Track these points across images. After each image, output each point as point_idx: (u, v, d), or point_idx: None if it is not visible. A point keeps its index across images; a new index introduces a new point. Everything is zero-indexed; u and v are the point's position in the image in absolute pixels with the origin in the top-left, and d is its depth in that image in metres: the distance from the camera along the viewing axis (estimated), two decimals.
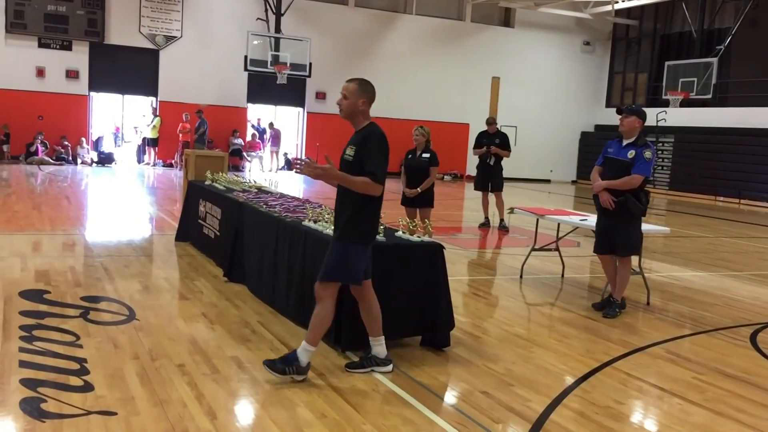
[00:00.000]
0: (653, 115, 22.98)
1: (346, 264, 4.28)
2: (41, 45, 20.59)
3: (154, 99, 22.27)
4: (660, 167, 24.95)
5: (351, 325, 4.77)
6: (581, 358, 5.15)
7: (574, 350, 5.34)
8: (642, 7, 25.80)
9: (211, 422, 3.65)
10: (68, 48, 20.89)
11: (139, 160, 22.49)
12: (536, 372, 4.77)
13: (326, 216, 5.51)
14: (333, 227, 4.49)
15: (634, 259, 6.68)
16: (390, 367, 4.55)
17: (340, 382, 4.31)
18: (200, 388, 4.08)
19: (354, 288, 4.48)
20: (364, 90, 4.33)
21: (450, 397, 4.30)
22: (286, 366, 4.22)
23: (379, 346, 4.54)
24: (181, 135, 21.39)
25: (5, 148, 20.19)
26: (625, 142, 6.29)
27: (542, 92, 27.09)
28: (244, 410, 3.93)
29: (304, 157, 4.27)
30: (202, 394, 4.01)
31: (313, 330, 4.32)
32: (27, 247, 8.03)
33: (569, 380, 4.67)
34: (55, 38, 20.63)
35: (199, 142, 21.16)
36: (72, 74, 20.98)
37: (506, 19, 26.91)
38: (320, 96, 23.98)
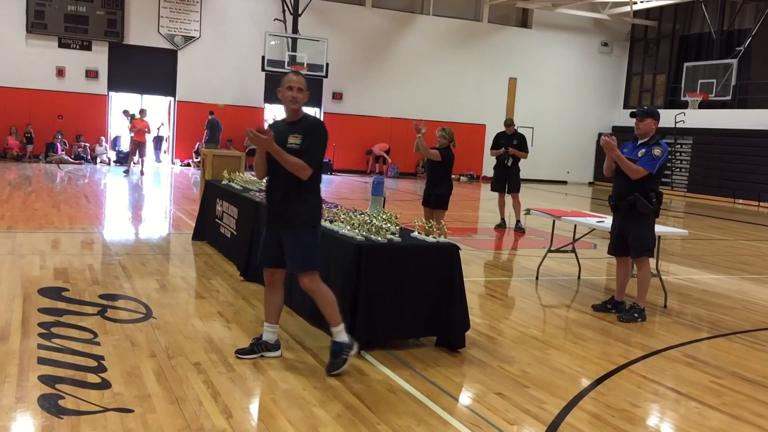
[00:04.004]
0: (672, 117, 22.84)
1: (316, 249, 4.47)
2: (61, 45, 20.80)
3: (172, 99, 22.42)
4: (678, 169, 24.76)
5: (366, 326, 4.78)
6: (597, 360, 5.13)
7: (590, 352, 5.31)
8: (661, 8, 25.63)
9: (226, 420, 3.67)
10: (88, 48, 21.09)
11: (157, 159, 22.65)
12: (551, 374, 4.75)
13: (342, 216, 5.52)
14: (279, 219, 4.49)
15: (652, 262, 6.63)
16: (278, 352, 4.66)
17: (354, 382, 4.32)
18: (216, 387, 4.11)
19: (277, 273, 4.60)
20: (306, 81, 4.54)
21: (464, 398, 4.29)
22: (340, 355, 4.42)
23: (270, 333, 4.66)
24: (133, 134, 18.67)
25: (28, 147, 20.42)
26: (639, 143, 6.26)
27: (559, 93, 26.97)
28: (260, 409, 3.95)
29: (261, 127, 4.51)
30: (217, 392, 4.03)
31: (329, 315, 4.51)
32: (46, 245, 8.12)
33: (585, 382, 4.65)
34: (75, 38, 20.84)
35: (209, 141, 21.25)
36: (91, 74, 21.17)
37: (523, 19, 26.82)
38: (337, 96, 24.02)
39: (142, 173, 18.56)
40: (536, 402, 4.21)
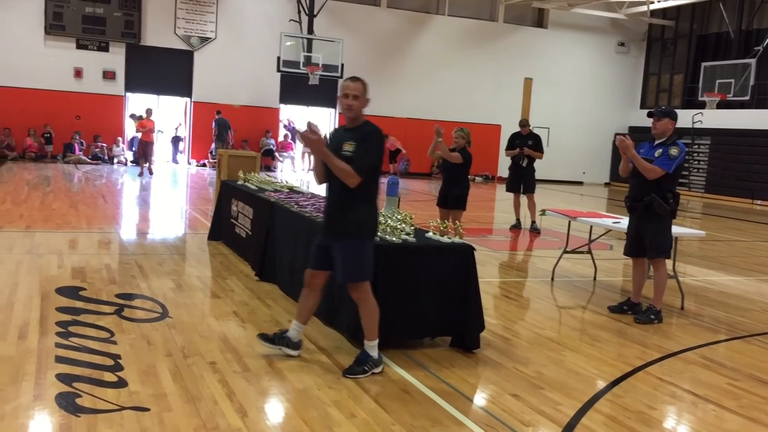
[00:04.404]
0: (689, 117, 22.65)
1: (364, 261, 4.41)
2: (79, 46, 20.98)
3: (188, 100, 22.54)
4: (696, 170, 24.56)
5: (381, 325, 4.77)
6: (613, 362, 5.10)
7: (606, 354, 5.28)
8: (678, 8, 25.43)
9: (241, 420, 3.68)
10: (105, 49, 21.25)
11: (174, 160, 22.78)
12: (567, 375, 4.73)
13: None
14: (330, 228, 4.46)
15: (669, 263, 6.58)
16: (297, 352, 4.66)
17: (369, 382, 4.32)
18: (231, 386, 4.12)
19: (320, 276, 4.57)
20: (367, 88, 4.43)
21: (479, 399, 4.29)
22: (363, 366, 4.42)
23: (296, 331, 4.65)
24: (141, 134, 18.51)
25: (48, 148, 20.62)
26: (656, 143, 6.21)
27: (575, 93, 26.84)
28: (275, 409, 3.96)
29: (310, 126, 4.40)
30: (233, 391, 4.05)
31: (367, 328, 4.48)
32: (64, 245, 8.19)
33: (601, 384, 4.62)
34: (93, 39, 21.01)
35: (216, 141, 21.36)
36: (109, 75, 21.34)
37: (539, 19, 26.71)
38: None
39: (150, 173, 18.28)
40: (551, 404, 4.20)
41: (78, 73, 21.04)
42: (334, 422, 3.73)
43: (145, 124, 18.05)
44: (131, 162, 21.52)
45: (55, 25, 20.51)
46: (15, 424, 3.47)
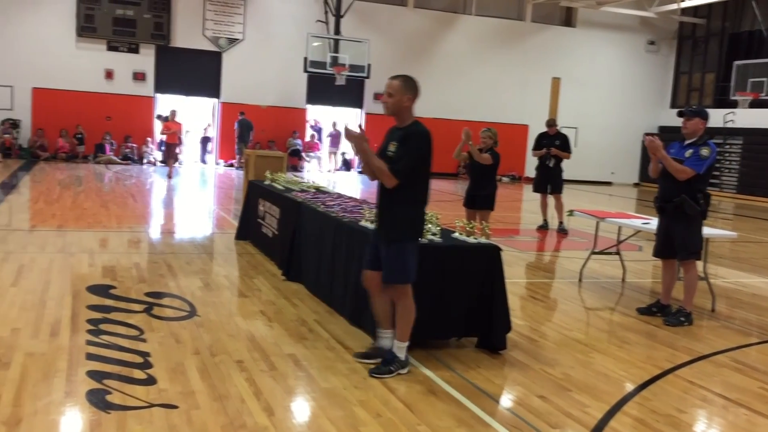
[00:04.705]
0: (720, 117, 22.30)
1: (404, 264, 4.36)
2: (110, 48, 21.28)
3: (216, 100, 22.74)
4: (727, 170, 24.17)
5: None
6: (642, 364, 5.04)
7: (635, 356, 5.22)
8: (709, 5, 25.04)
9: (268, 418, 3.70)
10: (135, 51, 21.53)
11: (202, 161, 23.00)
12: (595, 377, 4.68)
13: None
14: (377, 229, 4.51)
15: (699, 265, 6.48)
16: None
17: (394, 382, 4.32)
18: (258, 385, 4.15)
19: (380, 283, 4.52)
20: (408, 86, 4.35)
21: (506, 401, 4.26)
22: (389, 366, 4.41)
23: (386, 339, 4.60)
24: (166, 136, 18.21)
25: (80, 148, 20.94)
26: (686, 143, 6.13)
27: (604, 93, 26.57)
28: (301, 408, 3.98)
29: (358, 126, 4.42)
30: (260, 390, 4.07)
31: (400, 328, 4.46)
32: (95, 244, 8.31)
33: (629, 387, 4.57)
34: (123, 41, 21.30)
35: (239, 141, 21.51)
36: (139, 76, 21.61)
37: (567, 18, 26.49)
38: (379, 97, 23.91)
39: (170, 176, 17.75)
40: (579, 406, 4.16)
41: (109, 75, 21.33)
42: (360, 422, 3.74)
43: (169, 126, 17.90)
44: (160, 162, 21.77)
45: (86, 28, 20.83)
46: (47, 420, 3.53)
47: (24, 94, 20.57)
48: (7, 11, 20.04)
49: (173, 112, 18.22)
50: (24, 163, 18.99)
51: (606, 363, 5.01)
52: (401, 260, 4.35)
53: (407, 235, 4.37)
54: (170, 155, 18.10)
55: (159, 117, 21.21)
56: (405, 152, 4.26)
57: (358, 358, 4.64)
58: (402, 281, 4.39)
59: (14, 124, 20.43)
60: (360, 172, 23.41)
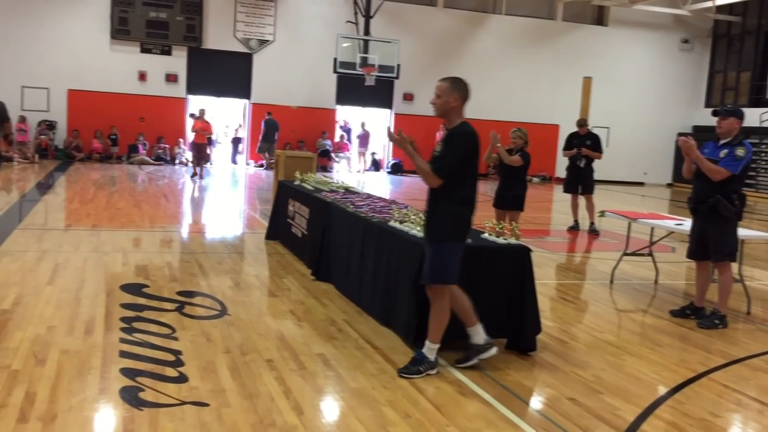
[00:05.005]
0: (756, 116, 21.87)
1: (438, 266, 4.34)
2: (143, 50, 21.58)
3: (247, 101, 22.93)
4: (763, 170, 23.70)
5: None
6: (675, 367, 4.96)
7: (668, 359, 5.15)
8: (745, 3, 24.57)
9: (297, 417, 3.73)
10: (168, 53, 21.80)
11: (233, 161, 23.21)
12: (627, 380, 4.63)
13: (412, 217, 5.53)
14: (424, 229, 4.53)
15: (734, 266, 6.37)
16: (494, 350, 4.58)
17: (424, 383, 4.32)
18: (288, 384, 4.18)
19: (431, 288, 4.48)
20: (456, 87, 4.37)
21: (536, 403, 4.23)
22: (418, 366, 4.40)
23: (476, 335, 4.56)
24: (194, 135, 18.04)
25: (113, 149, 21.28)
26: (721, 142, 6.03)
27: (637, 92, 26.23)
28: (330, 407, 4.00)
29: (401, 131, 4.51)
30: (289, 389, 4.10)
31: (433, 329, 4.45)
32: (128, 243, 8.44)
33: (662, 390, 4.51)
34: (156, 44, 21.58)
35: (263, 141, 21.64)
36: (171, 78, 21.88)
37: (599, 17, 26.21)
38: (408, 97, 24.06)
39: (198, 176, 17.52)
40: (610, 408, 4.12)
41: (142, 77, 21.64)
42: (388, 422, 3.74)
43: (197, 125, 17.74)
44: (191, 163, 22.01)
45: (120, 30, 21.14)
46: (81, 417, 3.60)
47: (60, 96, 20.96)
48: (43, 15, 20.43)
49: (202, 111, 18.15)
50: (60, 163, 19.35)
51: (638, 365, 4.95)
52: (441, 260, 4.34)
53: (450, 235, 4.35)
54: (199, 156, 17.91)
55: (192, 116, 21.45)
56: (447, 152, 4.29)
57: (459, 365, 4.59)
58: (439, 281, 4.37)
59: (50, 126, 20.83)
60: (391, 172, 23.41)
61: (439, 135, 22.85)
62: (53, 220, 10.32)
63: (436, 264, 4.34)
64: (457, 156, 4.28)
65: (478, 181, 4.43)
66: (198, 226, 10.95)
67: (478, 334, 4.57)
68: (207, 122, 18.03)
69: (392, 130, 4.53)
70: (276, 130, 21.65)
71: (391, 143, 4.39)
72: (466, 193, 4.36)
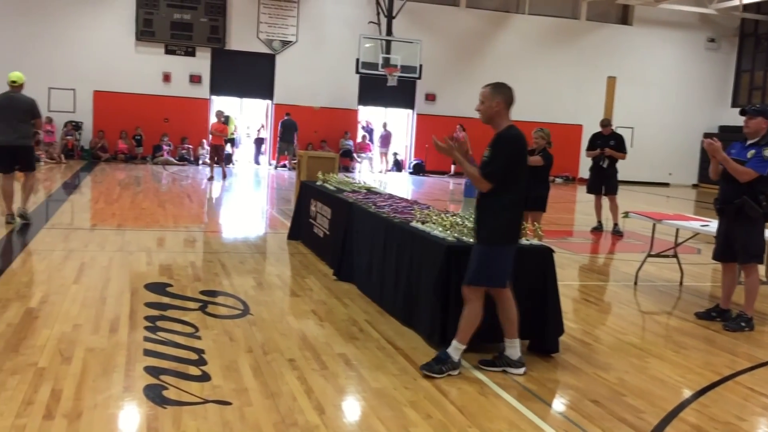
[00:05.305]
0: None
1: (488, 267, 4.34)
2: (167, 52, 21.77)
3: (270, 102, 23.05)
4: None
5: (457, 327, 4.76)
6: (700, 370, 4.91)
7: (693, 362, 5.09)
8: None
9: (319, 417, 3.74)
10: (192, 54, 21.98)
11: (256, 161, 23.34)
12: (651, 383, 4.58)
13: (434, 217, 5.52)
14: (474, 233, 4.54)
15: (761, 268, 6.28)
16: (522, 370, 4.54)
17: (445, 384, 4.31)
18: (309, 383, 4.19)
19: (493, 289, 4.49)
20: (498, 92, 4.42)
21: (558, 404, 4.21)
22: (441, 365, 4.40)
23: (512, 348, 4.55)
24: (211, 136, 17.62)
25: (138, 149, 21.51)
26: (748, 143, 5.94)
27: (662, 92, 25.95)
28: (351, 407, 4.01)
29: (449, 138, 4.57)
30: (311, 388, 4.12)
31: (462, 330, 4.45)
32: (152, 243, 8.52)
33: (686, 393, 4.46)
34: (180, 45, 21.77)
35: (281, 141, 21.72)
36: (195, 79, 22.05)
37: (624, 16, 25.97)
38: (430, 98, 24.02)
39: (222, 177, 17.32)
40: (634, 411, 4.08)
41: (166, 78, 21.83)
42: (410, 422, 3.74)
43: (216, 127, 17.47)
44: (215, 164, 22.16)
45: (145, 32, 21.36)
46: (106, 414, 3.64)
47: (86, 97, 21.22)
48: (70, 17, 20.70)
49: (219, 113, 18.00)
50: (85, 164, 19.59)
51: (662, 368, 4.90)
52: (489, 263, 4.34)
53: (500, 238, 4.35)
54: (217, 157, 17.64)
55: (219, 113, 21.65)
56: (494, 155, 4.31)
57: (482, 366, 4.59)
58: (486, 283, 4.38)
59: (76, 126, 21.10)
60: (412, 173, 23.40)
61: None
62: (79, 219, 10.45)
63: (483, 266, 4.35)
64: (502, 158, 4.31)
65: (526, 183, 4.44)
66: (221, 226, 11.03)
67: (514, 348, 4.56)
68: (224, 124, 17.88)
69: (437, 140, 4.54)
70: (294, 130, 21.73)
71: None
72: (516, 195, 4.37)
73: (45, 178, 15.45)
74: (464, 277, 4.46)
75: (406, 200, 7.49)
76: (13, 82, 9.03)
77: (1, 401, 3.68)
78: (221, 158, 17.88)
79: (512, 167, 4.33)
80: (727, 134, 24.61)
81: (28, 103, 9.02)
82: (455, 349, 4.44)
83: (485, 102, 4.41)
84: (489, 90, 4.43)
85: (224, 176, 17.64)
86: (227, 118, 21.96)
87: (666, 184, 26.08)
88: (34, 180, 9.74)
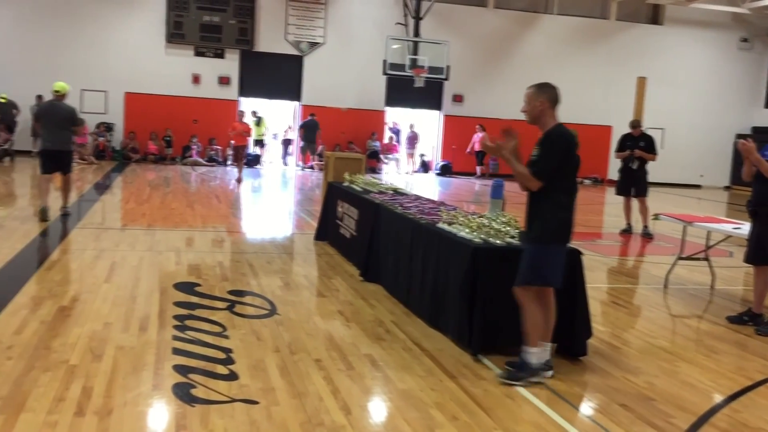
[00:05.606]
0: None
1: (540, 267, 4.31)
2: (197, 53, 22.00)
3: (297, 103, 23.17)
4: None
5: (483, 330, 4.75)
6: (731, 375, 4.83)
7: (724, 366, 5.01)
8: None
9: (345, 417, 3.75)
10: (221, 56, 22.18)
11: (284, 162, 23.48)
12: (680, 387, 4.52)
13: (460, 219, 5.51)
14: (526, 233, 4.49)
15: None
16: (550, 373, 4.50)
17: (472, 386, 4.29)
18: (336, 384, 4.21)
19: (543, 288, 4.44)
20: (542, 92, 4.38)
21: (586, 408, 4.17)
22: (520, 373, 4.35)
23: (543, 351, 4.50)
24: (232, 135, 17.48)
25: (168, 151, 21.77)
26: None
27: (693, 92, 25.58)
28: (377, 408, 4.01)
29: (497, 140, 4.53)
30: (337, 389, 4.13)
31: (527, 334, 4.41)
32: (181, 243, 8.61)
33: (717, 398, 4.39)
34: (210, 47, 21.98)
35: (304, 141, 21.83)
36: (224, 80, 22.25)
37: (654, 16, 25.65)
38: (457, 99, 23.95)
39: (239, 180, 16.85)
40: (663, 416, 4.02)
41: (196, 79, 22.05)
42: (436, 424, 3.73)
43: (236, 126, 17.20)
44: (235, 166, 22.34)
45: (175, 34, 21.60)
46: (135, 411, 3.69)
47: (117, 99, 21.52)
48: (102, 20, 21.01)
49: (242, 113, 17.88)
50: (116, 164, 19.87)
51: (692, 372, 4.83)
52: (542, 261, 4.30)
53: (552, 236, 4.32)
54: (239, 157, 17.46)
55: (254, 113, 21.92)
56: (543, 154, 4.28)
57: (509, 367, 4.53)
58: (540, 282, 4.34)
59: (108, 128, 21.41)
60: (439, 174, 23.35)
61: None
62: (110, 219, 10.61)
63: (535, 265, 4.30)
64: (551, 156, 4.27)
65: (577, 181, 4.41)
66: (248, 227, 11.11)
67: (545, 351, 4.52)
68: (247, 124, 17.71)
69: (485, 140, 4.53)
70: (316, 130, 21.82)
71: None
72: (566, 194, 4.34)
73: (77, 179, 15.68)
74: (517, 278, 4.38)
75: (433, 201, 7.48)
76: (57, 91, 9.75)
77: (34, 398, 3.75)
78: (241, 159, 17.66)
79: (562, 165, 4.29)
80: (761, 135, 24.19)
81: (69, 111, 9.68)
82: (529, 354, 4.36)
83: (530, 102, 4.38)
84: (533, 90, 4.40)
85: (239, 179, 16.97)
86: (260, 119, 22.22)
87: (697, 186, 25.70)
88: (71, 181, 10.30)
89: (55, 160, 9.65)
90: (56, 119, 9.53)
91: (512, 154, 4.38)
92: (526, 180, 4.30)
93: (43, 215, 9.34)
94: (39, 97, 18.56)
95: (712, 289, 7.61)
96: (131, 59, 21.22)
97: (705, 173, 26.05)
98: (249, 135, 18.07)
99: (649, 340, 5.58)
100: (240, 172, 17.31)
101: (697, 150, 25.60)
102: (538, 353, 4.37)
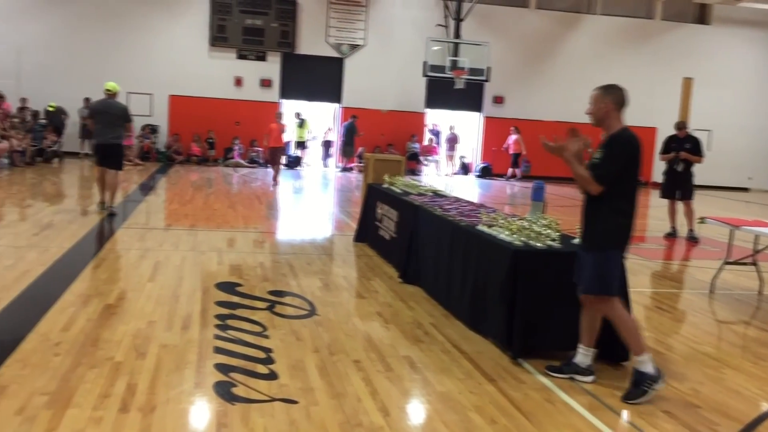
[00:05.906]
0: None
1: (604, 276, 4.22)
2: (239, 56, 22.30)
3: (338, 105, 23.30)
4: None
5: (523, 333, 4.71)
6: None
7: None
8: None
9: (383, 419, 3.75)
10: (263, 59, 22.44)
11: (324, 164, 23.63)
12: (726, 394, 4.42)
13: (500, 221, 5.47)
14: (582, 238, 4.41)
15: None
16: (591, 378, 4.45)
17: (511, 389, 4.26)
18: (374, 385, 4.22)
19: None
20: (608, 93, 4.31)
21: (628, 414, 4.10)
22: (641, 386, 4.21)
23: (585, 356, 4.47)
24: (272, 139, 16.79)
25: (210, 152, 22.10)
26: None
27: (741, 93, 24.98)
28: (416, 410, 4.01)
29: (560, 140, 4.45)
30: (376, 390, 4.14)
31: (629, 344, 4.35)
32: (223, 243, 8.73)
33: (765, 406, 4.28)
34: (252, 50, 22.26)
35: (345, 144, 21.90)
36: (266, 83, 22.50)
37: (701, 15, 25.13)
38: (498, 100, 23.80)
39: (275, 182, 16.73)
40: (708, 423, 3.94)
41: (238, 82, 22.35)
42: (474, 427, 3.71)
43: (272, 128, 16.69)
44: (284, 166, 22.53)
45: (218, 38, 21.93)
46: (178, 409, 3.75)
47: (162, 101, 21.93)
48: (147, 24, 21.45)
49: (279, 114, 17.60)
50: (161, 166, 20.23)
51: (739, 380, 4.72)
52: (600, 269, 4.21)
53: (609, 243, 4.23)
54: (274, 160, 17.21)
55: (297, 115, 22.16)
56: (606, 157, 4.19)
57: (549, 371, 4.54)
58: (600, 292, 4.25)
59: (153, 130, 21.84)
60: (479, 176, 23.23)
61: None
62: (155, 219, 10.81)
63: (595, 273, 4.21)
64: (615, 160, 4.17)
65: (638, 187, 4.31)
66: (289, 228, 11.21)
67: (587, 356, 4.47)
68: (283, 125, 17.23)
69: (546, 141, 4.42)
70: (354, 132, 21.92)
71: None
72: (626, 200, 4.24)
73: (122, 180, 16.03)
74: (585, 288, 4.30)
75: (473, 203, 7.44)
76: (108, 90, 10.43)
77: (80, 393, 3.84)
78: (277, 162, 17.26)
79: (625, 170, 4.19)
80: None
81: (121, 109, 10.50)
82: (639, 363, 4.23)
83: (595, 104, 4.30)
84: (599, 92, 4.31)
85: (275, 182, 16.77)
86: (303, 121, 22.42)
87: (745, 189, 25.08)
88: (118, 179, 10.78)
89: (107, 154, 10.32)
90: (109, 116, 10.23)
91: (575, 156, 4.23)
92: (586, 183, 4.18)
93: (101, 207, 10.45)
94: (86, 99, 19.05)
95: (760, 294, 7.42)
96: (175, 63, 21.61)
97: (753, 176, 25.42)
98: (283, 132, 17.27)
99: (693, 346, 5.47)
100: (276, 174, 16.93)
101: (745, 152, 24.99)
102: (647, 360, 4.20)
